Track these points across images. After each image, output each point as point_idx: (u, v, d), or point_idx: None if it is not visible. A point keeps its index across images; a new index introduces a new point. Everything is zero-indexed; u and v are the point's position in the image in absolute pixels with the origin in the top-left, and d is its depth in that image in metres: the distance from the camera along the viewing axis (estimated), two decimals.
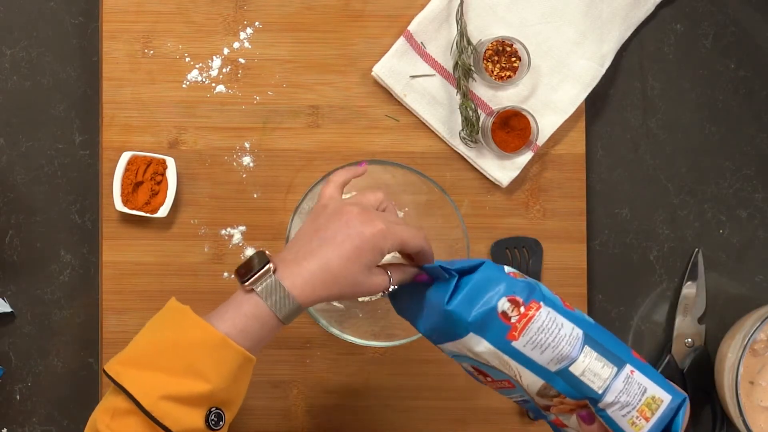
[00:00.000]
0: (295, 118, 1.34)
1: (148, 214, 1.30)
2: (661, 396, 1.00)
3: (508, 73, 1.32)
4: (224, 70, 1.33)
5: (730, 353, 1.32)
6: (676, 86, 1.40)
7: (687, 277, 1.39)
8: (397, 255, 1.09)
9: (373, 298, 1.31)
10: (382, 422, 1.35)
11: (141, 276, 1.32)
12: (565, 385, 1.00)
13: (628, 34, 1.38)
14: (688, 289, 1.39)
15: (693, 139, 1.40)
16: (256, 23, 1.33)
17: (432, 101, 1.34)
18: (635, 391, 1.00)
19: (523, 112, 1.31)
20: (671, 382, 1.03)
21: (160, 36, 1.32)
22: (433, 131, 1.35)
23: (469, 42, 1.33)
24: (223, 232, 1.33)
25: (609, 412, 1.00)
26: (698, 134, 1.40)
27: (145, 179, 1.30)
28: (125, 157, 1.30)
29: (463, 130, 1.33)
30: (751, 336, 1.30)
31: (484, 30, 1.34)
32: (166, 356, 1.00)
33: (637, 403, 1.00)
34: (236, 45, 1.33)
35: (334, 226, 1.03)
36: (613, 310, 1.39)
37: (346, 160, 1.32)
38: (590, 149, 1.38)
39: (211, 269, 1.33)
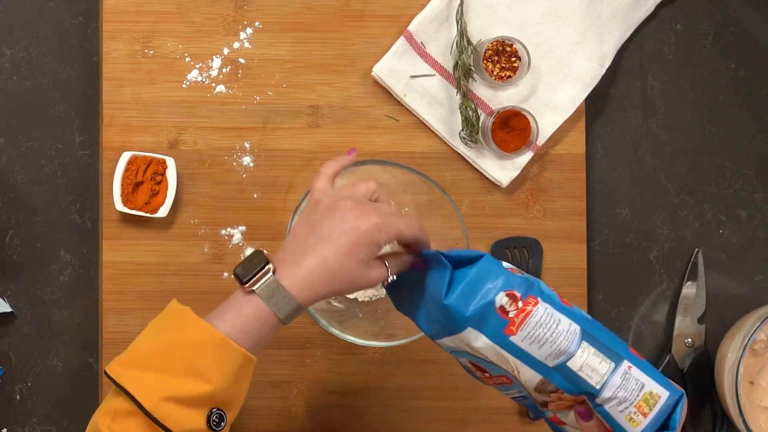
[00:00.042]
0: (295, 118, 1.34)
1: (148, 214, 1.30)
2: (658, 392, 1.00)
3: (508, 73, 1.32)
4: (224, 70, 1.33)
5: (730, 353, 1.32)
6: (676, 86, 1.40)
7: (687, 277, 1.39)
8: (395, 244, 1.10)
9: (374, 296, 1.31)
10: (382, 422, 1.35)
11: (141, 276, 1.32)
12: (562, 380, 1.00)
13: (628, 34, 1.38)
14: (688, 289, 1.39)
15: (693, 139, 1.40)
16: (256, 23, 1.33)
17: (432, 101, 1.34)
18: (633, 387, 1.00)
19: (523, 112, 1.31)
20: (669, 379, 1.03)
21: (160, 36, 1.32)
22: (433, 131, 1.35)
23: (469, 42, 1.33)
24: (223, 232, 1.33)
25: (607, 407, 1.00)
26: (698, 134, 1.40)
27: (145, 179, 1.30)
28: (125, 157, 1.30)
29: (463, 130, 1.33)
30: (751, 336, 1.30)
31: (484, 30, 1.34)
32: (167, 357, 1.00)
33: (635, 399, 1.00)
34: (236, 45, 1.33)
35: (329, 223, 1.03)
36: (613, 310, 1.39)
37: None
38: (590, 149, 1.38)
39: (211, 269, 1.33)
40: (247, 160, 1.33)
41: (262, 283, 1.01)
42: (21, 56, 1.34)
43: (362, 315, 1.31)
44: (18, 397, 1.34)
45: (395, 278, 1.06)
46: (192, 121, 1.32)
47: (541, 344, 1.00)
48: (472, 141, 1.33)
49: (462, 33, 1.33)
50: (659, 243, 1.40)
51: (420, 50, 1.34)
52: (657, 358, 1.39)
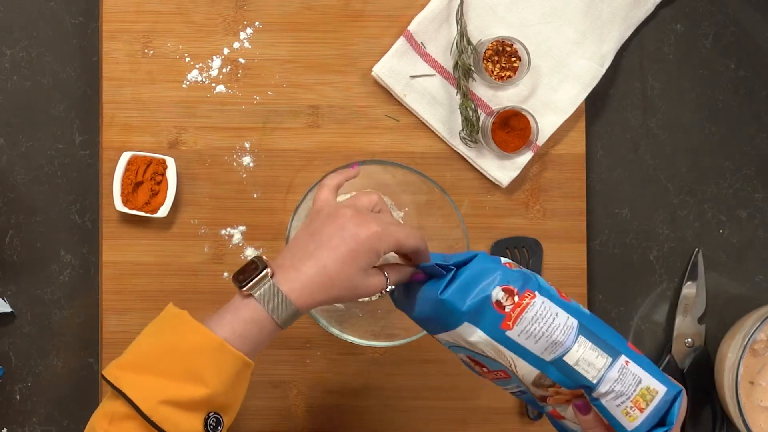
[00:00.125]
0: (295, 118, 1.34)
1: (148, 214, 1.30)
2: (656, 387, 1.01)
3: (508, 73, 1.32)
4: (224, 70, 1.33)
5: (730, 353, 1.32)
6: (676, 86, 1.40)
7: (687, 277, 1.39)
8: (395, 255, 1.10)
9: (372, 298, 1.31)
10: (382, 422, 1.35)
11: (141, 276, 1.32)
12: (559, 374, 1.01)
13: (628, 34, 1.38)
14: (688, 289, 1.39)
15: (693, 139, 1.40)
16: (256, 23, 1.33)
17: (432, 101, 1.34)
18: (630, 382, 1.00)
19: (523, 112, 1.31)
20: (668, 375, 1.03)
21: (160, 36, 1.32)
22: (433, 131, 1.35)
23: (469, 42, 1.33)
24: (223, 232, 1.33)
25: (603, 401, 1.00)
26: (698, 134, 1.40)
27: (145, 179, 1.30)
28: (125, 157, 1.30)
29: (463, 130, 1.33)
30: (751, 336, 1.30)
31: (484, 30, 1.34)
32: (166, 361, 1.00)
33: (632, 394, 1.00)
34: (236, 45, 1.33)
35: (329, 230, 1.03)
36: (613, 310, 1.39)
37: (346, 160, 1.32)
38: (590, 149, 1.38)
39: (211, 269, 1.33)
40: (247, 160, 1.33)
41: (260, 288, 1.02)
42: (21, 56, 1.34)
43: (362, 315, 1.31)
44: (18, 397, 1.34)
45: (393, 288, 1.07)
46: (192, 121, 1.32)
47: (537, 338, 1.00)
48: (472, 141, 1.33)
49: (462, 33, 1.33)
50: (659, 243, 1.40)
51: (420, 50, 1.34)
52: (657, 358, 1.39)
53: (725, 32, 1.40)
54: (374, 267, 1.05)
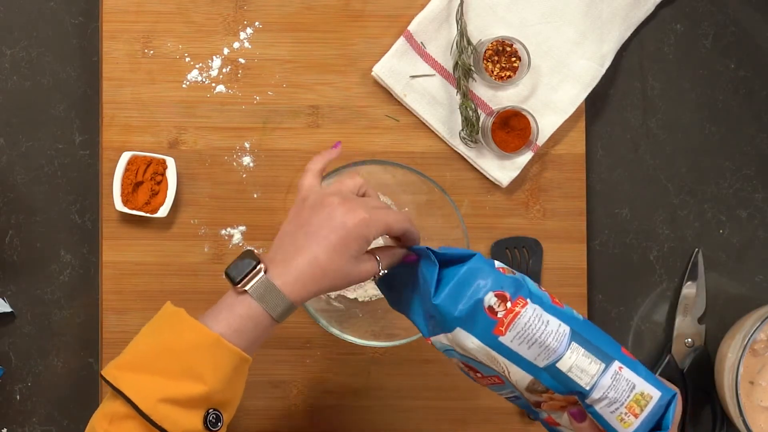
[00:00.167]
0: (295, 118, 1.34)
1: (148, 214, 1.30)
2: (650, 392, 1.00)
3: (508, 73, 1.32)
4: (224, 70, 1.33)
5: (730, 353, 1.32)
6: (676, 86, 1.40)
7: (687, 277, 1.39)
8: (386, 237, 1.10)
9: (374, 296, 1.31)
10: (382, 422, 1.35)
11: (141, 276, 1.32)
12: (552, 380, 1.00)
13: (628, 34, 1.38)
14: (688, 289, 1.39)
15: (693, 139, 1.40)
16: (256, 23, 1.33)
17: (432, 101, 1.34)
18: (623, 388, 1.00)
19: (523, 112, 1.31)
20: (661, 378, 1.03)
21: (160, 36, 1.32)
22: (433, 131, 1.35)
23: (469, 42, 1.33)
24: (223, 232, 1.33)
25: (597, 408, 1.00)
26: (698, 134, 1.40)
27: (145, 179, 1.30)
28: (125, 157, 1.30)
29: (463, 130, 1.33)
30: (751, 336, 1.30)
31: (484, 30, 1.34)
32: (163, 359, 1.00)
33: (626, 400, 1.00)
34: (236, 45, 1.33)
35: (317, 220, 1.03)
36: (613, 310, 1.39)
37: (347, 160, 1.32)
38: (590, 149, 1.38)
39: (211, 269, 1.33)
40: (247, 160, 1.33)
41: (253, 283, 1.02)
42: (21, 56, 1.34)
43: (362, 315, 1.31)
44: (18, 397, 1.34)
45: (386, 272, 1.06)
46: (192, 121, 1.32)
47: (530, 345, 1.00)
48: (472, 141, 1.33)
49: (462, 33, 1.33)
50: (659, 243, 1.40)
51: (420, 50, 1.34)
52: (657, 358, 1.39)
53: (725, 32, 1.40)
54: (366, 252, 1.05)
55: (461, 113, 1.33)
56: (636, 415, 1.00)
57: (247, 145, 1.33)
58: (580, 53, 1.35)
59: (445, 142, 1.35)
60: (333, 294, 1.30)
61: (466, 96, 1.33)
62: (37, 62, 1.34)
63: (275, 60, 1.33)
